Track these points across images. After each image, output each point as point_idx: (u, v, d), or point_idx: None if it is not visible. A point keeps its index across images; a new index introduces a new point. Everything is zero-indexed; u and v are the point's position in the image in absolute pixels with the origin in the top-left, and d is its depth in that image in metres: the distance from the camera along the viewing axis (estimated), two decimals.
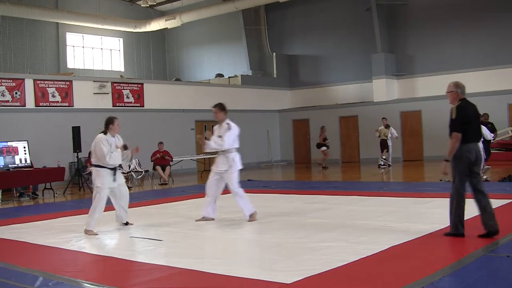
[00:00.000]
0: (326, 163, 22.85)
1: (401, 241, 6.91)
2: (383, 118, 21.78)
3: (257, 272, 5.74)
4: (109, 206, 9.05)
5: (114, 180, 9.00)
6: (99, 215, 8.80)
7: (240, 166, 9.40)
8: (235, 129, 9.32)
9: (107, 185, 8.87)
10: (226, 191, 9.53)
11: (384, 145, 21.36)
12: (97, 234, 8.60)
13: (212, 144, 9.22)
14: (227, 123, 9.31)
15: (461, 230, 6.87)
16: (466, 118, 6.86)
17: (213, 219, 9.52)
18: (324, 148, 22.62)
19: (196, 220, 9.55)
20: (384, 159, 21.28)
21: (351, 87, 26.94)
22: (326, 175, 19.92)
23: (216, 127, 9.50)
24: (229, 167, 9.25)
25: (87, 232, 8.67)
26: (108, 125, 9.06)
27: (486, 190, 6.97)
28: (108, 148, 8.84)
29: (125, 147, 9.14)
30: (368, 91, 25.91)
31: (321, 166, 22.63)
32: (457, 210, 6.88)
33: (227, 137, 9.17)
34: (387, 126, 21.47)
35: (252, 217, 9.31)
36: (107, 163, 8.82)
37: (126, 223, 9.40)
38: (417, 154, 23.94)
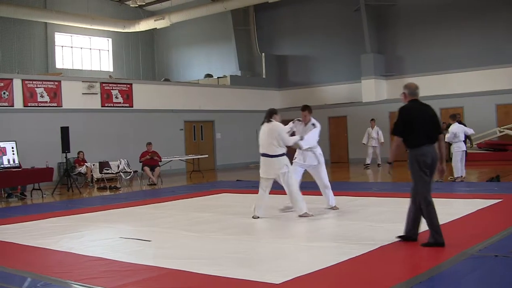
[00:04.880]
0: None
1: (391, 241, 6.92)
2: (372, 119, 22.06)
3: (245, 273, 5.74)
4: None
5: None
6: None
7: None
8: (319, 127, 10.38)
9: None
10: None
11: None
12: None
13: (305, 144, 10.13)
14: (313, 123, 10.37)
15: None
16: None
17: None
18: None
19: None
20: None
21: (340, 88, 26.96)
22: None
23: (293, 125, 10.80)
24: (318, 162, 10.15)
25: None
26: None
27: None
28: None
29: None
30: (357, 92, 25.94)
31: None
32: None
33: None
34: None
35: (335, 207, 10.09)
36: None
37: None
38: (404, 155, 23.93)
